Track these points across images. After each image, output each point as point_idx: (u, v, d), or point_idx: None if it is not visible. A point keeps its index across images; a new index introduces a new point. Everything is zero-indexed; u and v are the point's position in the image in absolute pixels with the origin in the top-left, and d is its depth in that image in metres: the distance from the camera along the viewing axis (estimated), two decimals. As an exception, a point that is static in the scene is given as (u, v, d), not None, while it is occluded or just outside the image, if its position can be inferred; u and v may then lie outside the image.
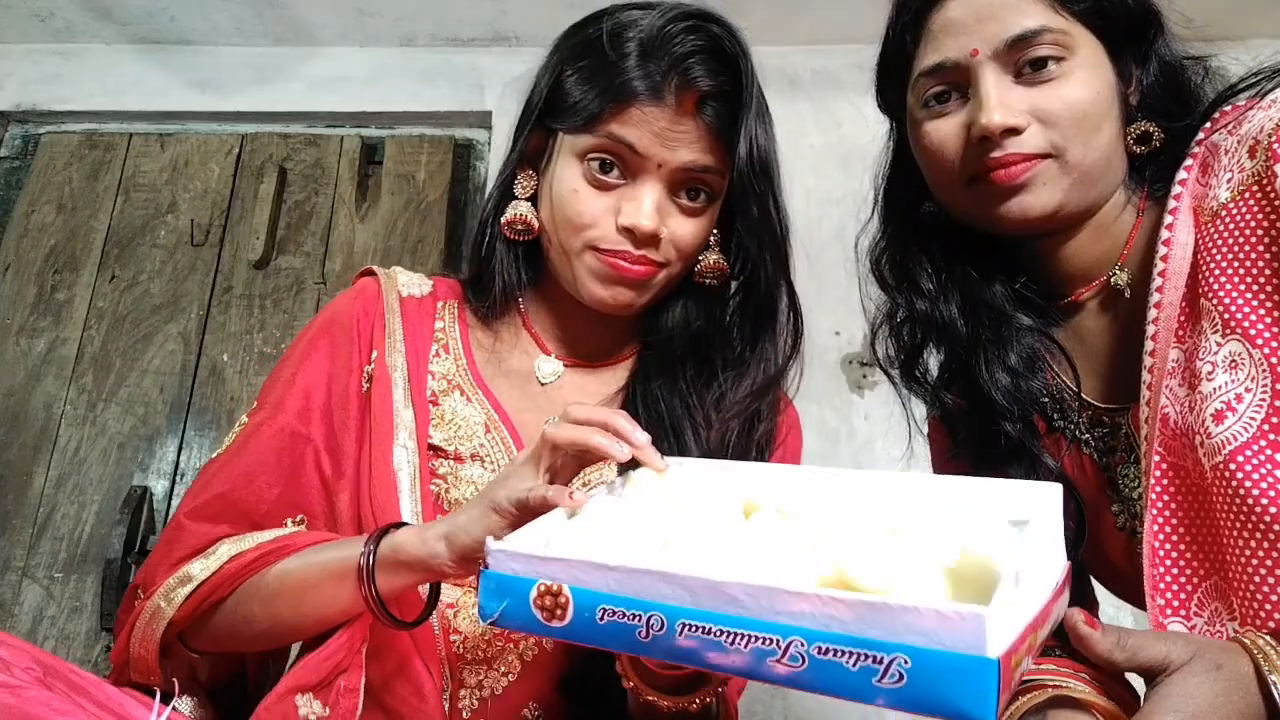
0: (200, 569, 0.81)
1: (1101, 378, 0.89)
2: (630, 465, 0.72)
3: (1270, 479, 0.69)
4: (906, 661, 0.46)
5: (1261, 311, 0.73)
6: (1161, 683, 0.63)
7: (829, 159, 2.07)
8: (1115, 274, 0.86)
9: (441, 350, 0.97)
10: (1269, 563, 0.69)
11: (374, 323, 0.95)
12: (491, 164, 2.20)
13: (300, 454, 0.89)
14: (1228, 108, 0.82)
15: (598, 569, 0.56)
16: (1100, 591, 0.99)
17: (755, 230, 0.90)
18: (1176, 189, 0.80)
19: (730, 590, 0.51)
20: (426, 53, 2.28)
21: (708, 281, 0.96)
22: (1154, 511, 0.76)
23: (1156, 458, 0.76)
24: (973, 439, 0.92)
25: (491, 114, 2.23)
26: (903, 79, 0.89)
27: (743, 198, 0.89)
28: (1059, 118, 0.79)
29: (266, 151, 2.21)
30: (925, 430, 1.03)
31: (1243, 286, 0.74)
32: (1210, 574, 0.74)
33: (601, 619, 0.56)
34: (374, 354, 0.93)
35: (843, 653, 0.48)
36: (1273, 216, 0.73)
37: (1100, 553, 0.90)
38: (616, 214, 0.87)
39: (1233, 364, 0.72)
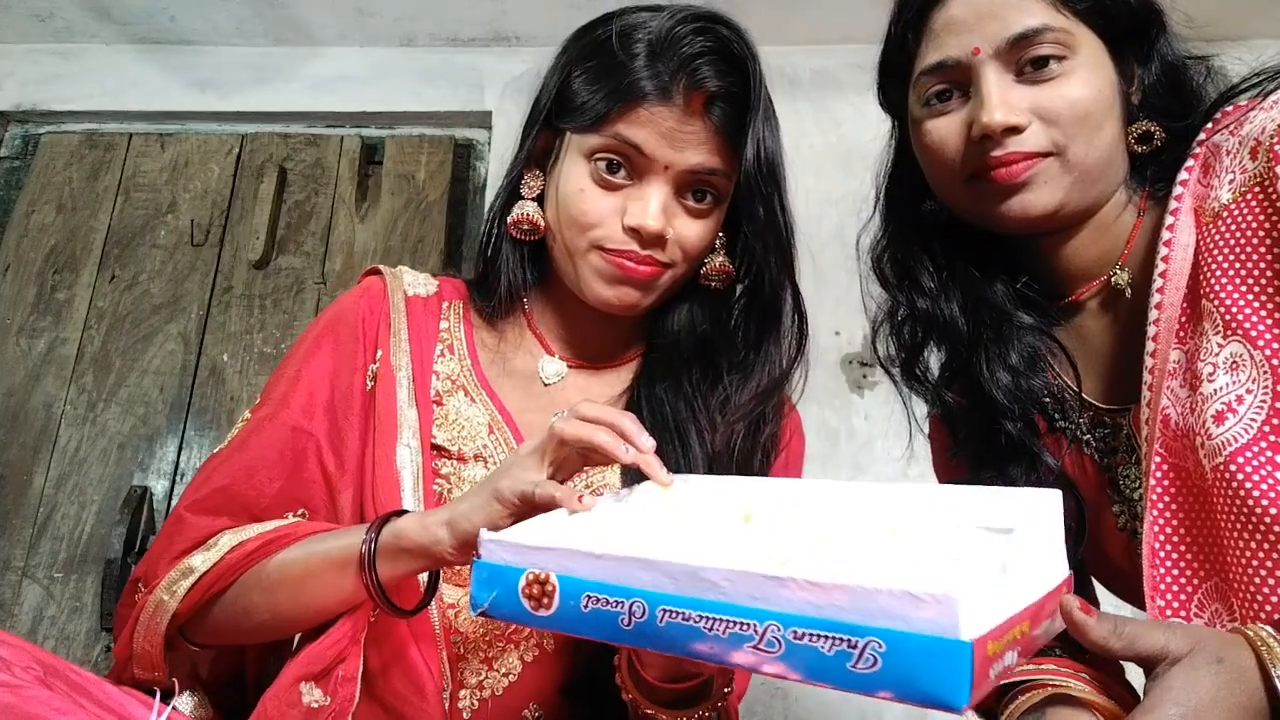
0: (202, 561, 0.82)
1: (1102, 378, 0.89)
2: (636, 477, 0.72)
3: (1271, 480, 0.69)
4: (881, 645, 0.46)
5: (1263, 313, 0.73)
6: (1163, 675, 0.62)
7: (829, 159, 2.07)
8: (1116, 274, 0.86)
9: (446, 350, 0.97)
10: (1269, 564, 0.69)
11: (379, 322, 0.95)
12: (491, 164, 2.20)
13: (303, 450, 0.89)
14: (1229, 108, 0.82)
15: (584, 557, 0.57)
16: (1100, 592, 0.99)
17: (761, 232, 0.91)
18: (1178, 189, 0.80)
19: (709, 575, 0.52)
20: (426, 53, 2.28)
21: (713, 284, 0.96)
22: (1154, 512, 0.76)
23: (1157, 459, 0.76)
24: (973, 438, 0.92)
25: (491, 114, 2.23)
26: (904, 77, 0.89)
27: (749, 199, 0.89)
28: (1060, 116, 0.79)
29: (266, 151, 2.21)
30: (926, 429, 1.03)
31: (1244, 288, 0.74)
32: (1211, 575, 0.74)
33: (586, 607, 0.56)
34: (379, 353, 0.93)
35: (818, 637, 0.48)
36: (1274, 218, 0.73)
37: (1101, 553, 0.90)
38: (623, 214, 0.87)
39: (1234, 365, 0.72)
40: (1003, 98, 0.80)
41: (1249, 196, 0.75)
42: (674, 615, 0.53)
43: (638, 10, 0.91)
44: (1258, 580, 0.69)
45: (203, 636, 0.85)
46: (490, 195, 2.15)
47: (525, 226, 0.94)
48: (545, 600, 0.58)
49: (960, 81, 0.83)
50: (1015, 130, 0.79)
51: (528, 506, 0.70)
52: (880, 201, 1.00)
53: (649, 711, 0.75)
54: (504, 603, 0.60)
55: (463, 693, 0.85)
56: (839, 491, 0.66)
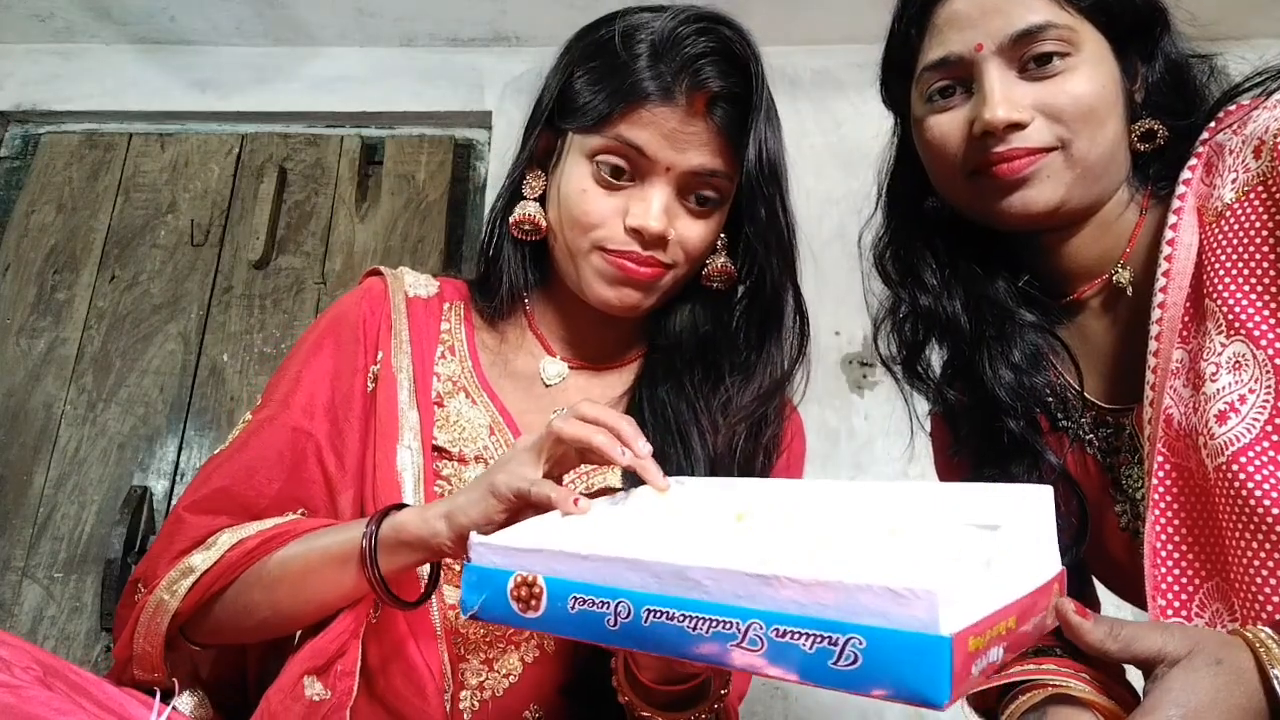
0: (202, 560, 0.82)
1: (1105, 377, 0.89)
2: (636, 479, 0.72)
3: (1273, 480, 0.69)
4: (862, 642, 0.46)
5: (1266, 313, 0.72)
6: (1161, 676, 0.62)
7: (829, 159, 2.07)
8: (1118, 272, 0.86)
9: (447, 352, 0.97)
10: (1270, 564, 0.68)
11: (380, 323, 0.95)
12: (491, 164, 2.20)
13: (303, 451, 0.89)
14: (1232, 107, 0.82)
15: (571, 558, 0.57)
16: (1101, 593, 0.99)
17: (763, 233, 0.90)
18: (1181, 189, 0.80)
19: (693, 574, 0.52)
20: (426, 53, 2.28)
21: (715, 285, 0.96)
22: (1156, 512, 0.76)
23: (1160, 458, 0.76)
24: (975, 435, 0.92)
25: (491, 114, 2.23)
26: (907, 73, 0.89)
27: (751, 200, 0.89)
28: (1064, 112, 0.79)
29: (266, 151, 2.21)
30: (927, 427, 1.03)
31: (1247, 288, 0.73)
32: (1212, 575, 0.74)
33: (573, 608, 0.56)
34: (380, 354, 0.93)
35: (800, 635, 0.48)
36: (1278, 217, 0.73)
37: (1103, 552, 0.90)
38: (624, 215, 0.87)
39: (1236, 365, 0.72)
40: (1005, 94, 0.79)
41: (1252, 196, 0.75)
42: (659, 615, 0.53)
43: (640, 11, 0.91)
44: (1259, 580, 0.69)
45: (204, 636, 0.85)
46: (490, 195, 2.16)
47: (527, 227, 0.94)
48: (533, 602, 0.59)
49: (963, 78, 0.83)
50: (1018, 126, 0.79)
51: (523, 504, 0.70)
52: (883, 198, 1.00)
53: (645, 714, 0.75)
54: (493, 605, 0.60)
55: (463, 693, 0.85)
56: (834, 491, 0.66)
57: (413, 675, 0.83)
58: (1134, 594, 0.89)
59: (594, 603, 0.56)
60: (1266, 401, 0.70)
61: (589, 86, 0.89)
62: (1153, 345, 0.78)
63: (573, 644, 0.87)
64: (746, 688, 0.96)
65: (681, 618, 0.52)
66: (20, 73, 2.27)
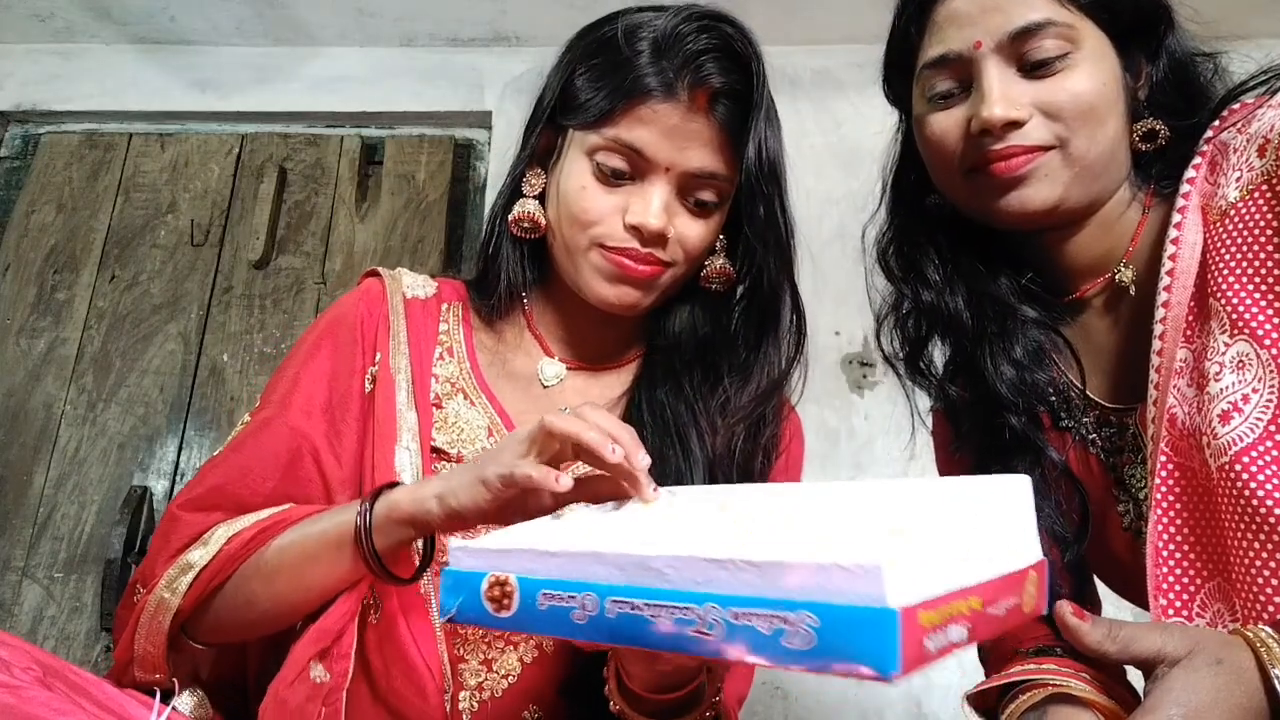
0: (199, 555, 0.81)
1: (1108, 376, 0.89)
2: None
3: (1275, 480, 0.69)
4: (814, 619, 0.46)
5: (1270, 312, 0.72)
6: (1162, 676, 0.62)
7: (829, 159, 2.07)
8: (1120, 271, 0.85)
9: (445, 353, 0.96)
10: (1273, 564, 0.68)
11: (378, 324, 0.95)
12: (491, 164, 2.20)
13: (299, 451, 0.88)
14: (1236, 105, 0.81)
15: (541, 556, 0.58)
16: (1101, 592, 0.98)
17: (761, 232, 0.90)
18: (1185, 187, 0.80)
19: (655, 563, 0.52)
20: (426, 53, 2.28)
21: (714, 286, 0.96)
22: (1158, 512, 0.76)
23: (1163, 458, 0.76)
24: (976, 431, 0.91)
25: (491, 114, 2.23)
26: (908, 71, 0.89)
27: (751, 199, 0.89)
28: (1063, 110, 0.79)
29: (266, 151, 2.21)
30: (928, 423, 1.03)
31: (1251, 287, 0.73)
32: (1214, 575, 0.74)
33: (542, 605, 0.57)
34: (378, 356, 0.93)
35: (755, 616, 0.48)
36: None
37: (1105, 552, 0.90)
38: (624, 213, 0.87)
39: (1240, 364, 0.72)
40: (1004, 92, 0.79)
41: (1256, 195, 0.74)
42: (623, 605, 0.53)
43: (641, 10, 0.91)
44: (1260, 581, 0.69)
45: (206, 633, 0.85)
46: (490, 195, 2.16)
47: (526, 224, 0.94)
48: (506, 601, 0.59)
49: (962, 75, 0.83)
50: (1015, 125, 0.79)
51: (509, 489, 0.70)
52: (887, 194, 0.99)
53: None
54: (469, 607, 0.61)
55: (462, 694, 0.84)
56: (827, 493, 0.66)
57: (413, 675, 0.83)
58: (1136, 593, 0.89)
59: (562, 598, 0.56)
60: (1270, 401, 0.70)
61: (590, 83, 0.89)
62: (1156, 344, 0.78)
63: (572, 644, 0.87)
64: (746, 691, 0.96)
65: (644, 606, 0.52)
66: (20, 73, 2.27)
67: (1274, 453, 0.69)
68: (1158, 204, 0.85)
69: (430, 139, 2.24)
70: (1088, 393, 0.89)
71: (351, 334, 0.94)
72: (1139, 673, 0.69)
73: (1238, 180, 0.76)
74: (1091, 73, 0.80)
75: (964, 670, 1.75)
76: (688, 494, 0.72)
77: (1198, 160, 0.80)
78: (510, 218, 0.95)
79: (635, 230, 0.87)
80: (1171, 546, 0.76)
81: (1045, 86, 0.79)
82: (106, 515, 1.90)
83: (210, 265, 2.11)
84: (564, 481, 0.67)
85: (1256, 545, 0.69)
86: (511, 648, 0.87)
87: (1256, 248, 0.74)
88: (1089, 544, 0.88)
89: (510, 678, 0.86)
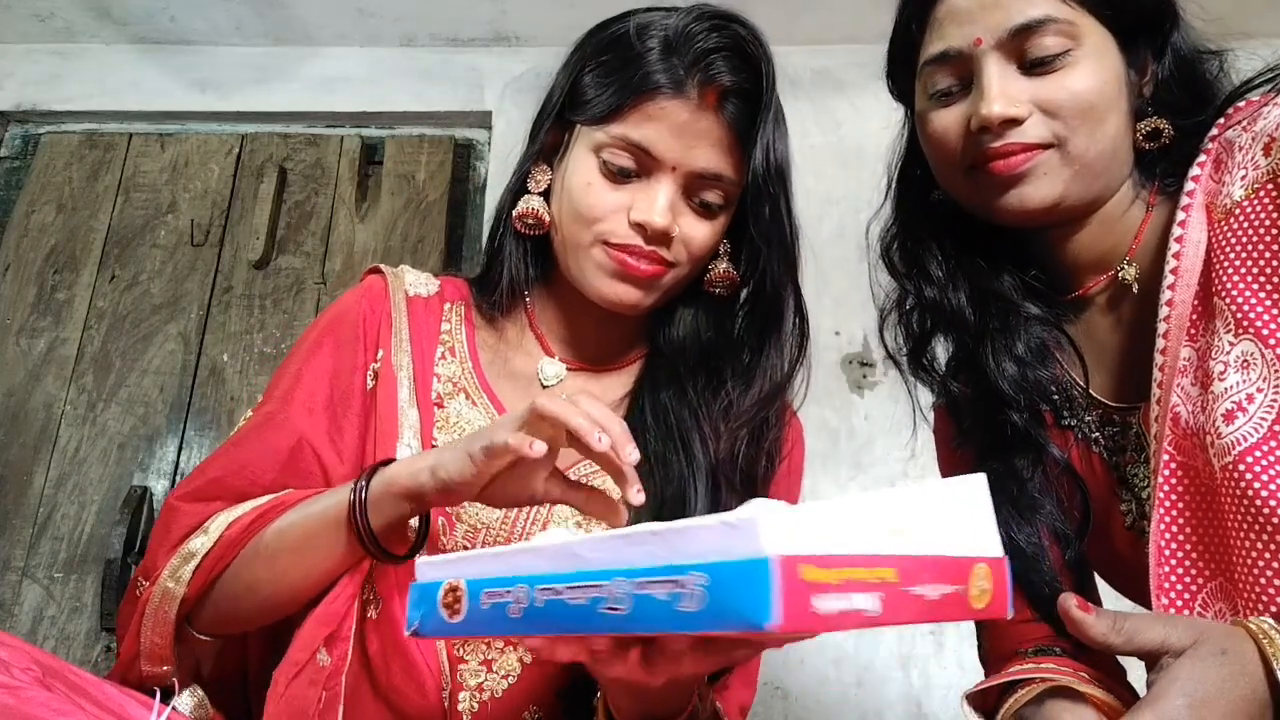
0: (201, 543, 0.81)
1: (1111, 374, 0.88)
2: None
3: (1279, 481, 0.69)
4: (703, 579, 0.46)
5: (1275, 311, 0.72)
6: (1167, 666, 0.63)
7: (829, 159, 2.07)
8: (1123, 269, 0.85)
9: (447, 353, 0.96)
10: (1276, 564, 0.68)
11: (380, 321, 0.95)
12: (491, 164, 2.20)
13: (300, 446, 0.88)
14: (1242, 103, 0.81)
15: (488, 558, 0.59)
16: (1102, 590, 0.98)
17: (766, 234, 0.90)
18: (1190, 185, 0.79)
19: (578, 549, 0.54)
20: (426, 53, 2.28)
21: (717, 291, 0.96)
22: (1161, 511, 0.76)
23: (1166, 457, 0.76)
24: (978, 428, 0.91)
25: (491, 114, 2.23)
26: (911, 66, 0.89)
27: (757, 200, 0.89)
28: (1062, 108, 0.79)
29: (266, 151, 2.21)
30: (930, 420, 1.03)
31: (1256, 286, 0.73)
32: (1216, 575, 0.74)
33: (485, 604, 0.58)
34: (380, 353, 0.93)
35: (653, 583, 0.49)
36: None
37: (1108, 551, 0.90)
38: (629, 210, 0.87)
39: (1244, 364, 0.72)
40: (1003, 89, 0.79)
41: (1261, 193, 0.74)
42: (549, 592, 0.54)
43: (651, 10, 0.92)
44: (1263, 580, 0.69)
45: (210, 623, 0.84)
46: (490, 195, 2.16)
47: (530, 220, 0.94)
48: (457, 606, 0.60)
49: (962, 72, 0.83)
50: (1014, 122, 0.79)
51: (492, 460, 0.71)
52: (891, 189, 0.99)
53: None
54: (429, 617, 0.62)
55: (462, 695, 0.84)
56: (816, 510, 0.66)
57: (413, 672, 0.83)
58: (1138, 592, 0.89)
59: (499, 594, 0.57)
60: (1274, 401, 0.70)
61: (599, 80, 0.89)
62: (1160, 343, 0.78)
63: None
64: (750, 699, 0.95)
65: (564, 590, 0.53)
66: (20, 73, 2.27)
67: (1278, 453, 0.69)
68: (1162, 202, 0.85)
69: (430, 139, 2.24)
70: (1091, 391, 0.89)
71: (354, 330, 0.94)
72: (1139, 674, 0.69)
73: (1243, 178, 0.76)
74: (1092, 70, 0.79)
75: (964, 670, 1.75)
76: None
77: (1202, 158, 0.80)
78: (515, 213, 0.95)
79: (639, 228, 0.87)
80: (1174, 546, 0.76)
81: (1044, 84, 0.79)
82: (106, 515, 1.90)
83: (210, 265, 2.11)
84: (537, 447, 0.68)
85: (1259, 545, 0.69)
86: (511, 648, 0.87)
87: (1261, 247, 0.73)
88: (1091, 542, 0.88)
89: (510, 678, 0.86)
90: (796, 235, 0.93)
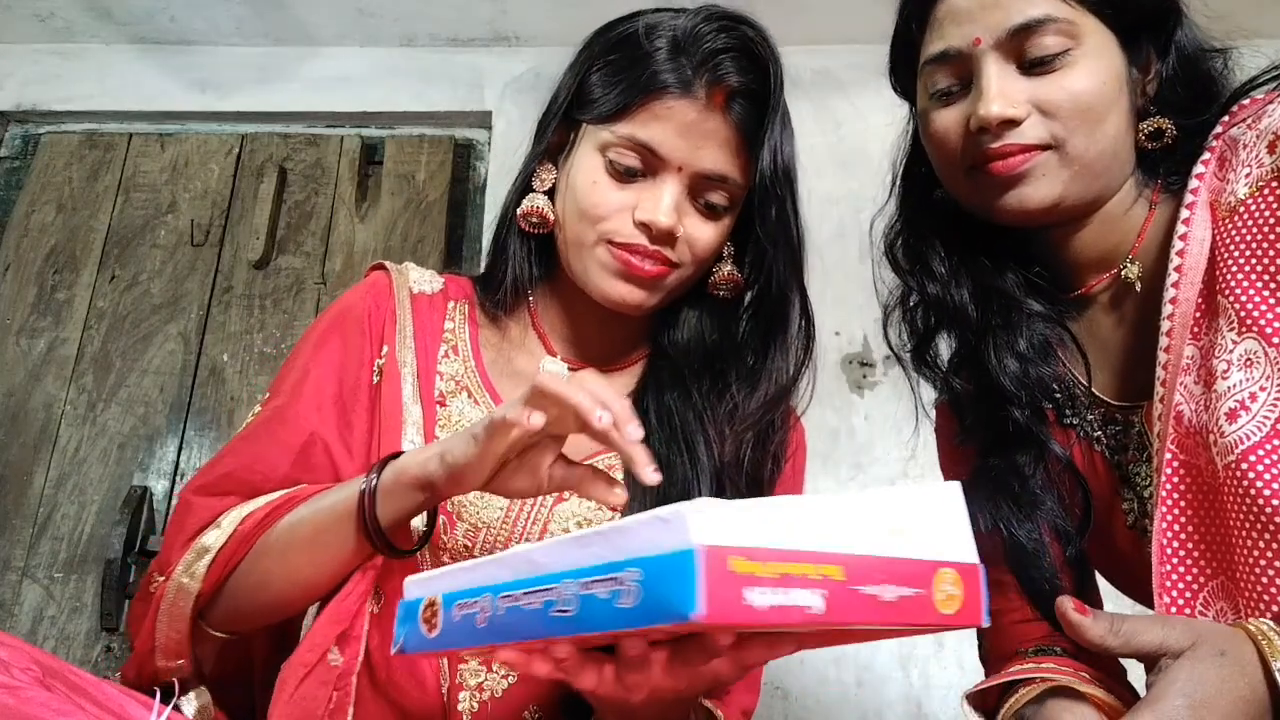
0: (214, 538, 0.81)
1: (1114, 373, 0.88)
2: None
3: None
4: (638, 574, 0.47)
5: (1279, 310, 0.72)
6: (1166, 668, 0.63)
7: (829, 159, 2.07)
8: (1126, 267, 0.85)
9: (451, 351, 0.96)
10: (1277, 564, 0.68)
11: (385, 317, 0.95)
12: (491, 164, 2.20)
13: (310, 441, 0.88)
14: (1246, 101, 0.81)
15: (461, 572, 0.60)
16: (1102, 589, 0.98)
17: (773, 235, 0.90)
18: (1194, 183, 0.79)
19: (535, 556, 0.54)
20: (426, 53, 2.28)
21: (721, 294, 0.96)
22: (1164, 509, 0.76)
23: (1169, 455, 0.76)
24: (980, 425, 0.91)
25: (491, 114, 2.23)
26: (913, 66, 0.89)
27: (764, 201, 0.89)
28: (1060, 108, 0.78)
29: (266, 151, 2.21)
30: (932, 416, 1.03)
31: (1260, 284, 0.73)
32: (1217, 573, 0.73)
33: (457, 616, 0.59)
34: (385, 349, 0.93)
35: (596, 583, 0.49)
36: None
37: (1110, 549, 0.90)
38: (634, 210, 0.87)
39: (1248, 362, 0.71)
40: (1001, 89, 0.79)
41: (1266, 191, 0.74)
42: (509, 600, 0.55)
43: (660, 11, 0.92)
44: (1264, 580, 0.69)
45: (223, 619, 0.84)
46: (490, 195, 2.16)
47: (534, 219, 0.94)
48: (434, 620, 0.61)
49: (962, 72, 0.83)
50: (1012, 123, 0.79)
51: (495, 438, 0.70)
52: (896, 186, 0.99)
53: None
54: (412, 634, 0.63)
55: (462, 694, 0.84)
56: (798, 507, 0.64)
57: (414, 669, 0.84)
58: (1139, 591, 0.89)
59: (468, 605, 0.58)
60: (1277, 399, 0.70)
61: (606, 79, 0.89)
62: (1164, 341, 0.77)
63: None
64: (753, 704, 0.94)
65: (522, 596, 0.54)
66: (20, 73, 2.27)
67: None
68: (1165, 199, 0.84)
69: (430, 139, 2.24)
70: (1093, 390, 0.89)
71: (359, 325, 0.94)
72: (1139, 674, 0.69)
73: (1247, 176, 0.76)
74: (1092, 69, 0.79)
75: (964, 670, 1.75)
76: None
77: (1206, 155, 0.80)
78: (519, 212, 0.95)
79: (644, 228, 0.87)
80: (1176, 544, 0.75)
81: (1043, 84, 0.79)
82: (106, 515, 1.90)
83: (210, 265, 2.11)
84: (534, 419, 0.67)
85: (1261, 544, 0.69)
86: (512, 648, 0.86)
87: (1265, 245, 0.73)
88: (1092, 541, 0.88)
89: (510, 678, 0.85)
90: (803, 237, 0.93)
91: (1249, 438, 0.70)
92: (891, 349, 0.99)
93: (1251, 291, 0.73)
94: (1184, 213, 0.78)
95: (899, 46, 0.92)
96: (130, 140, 2.22)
